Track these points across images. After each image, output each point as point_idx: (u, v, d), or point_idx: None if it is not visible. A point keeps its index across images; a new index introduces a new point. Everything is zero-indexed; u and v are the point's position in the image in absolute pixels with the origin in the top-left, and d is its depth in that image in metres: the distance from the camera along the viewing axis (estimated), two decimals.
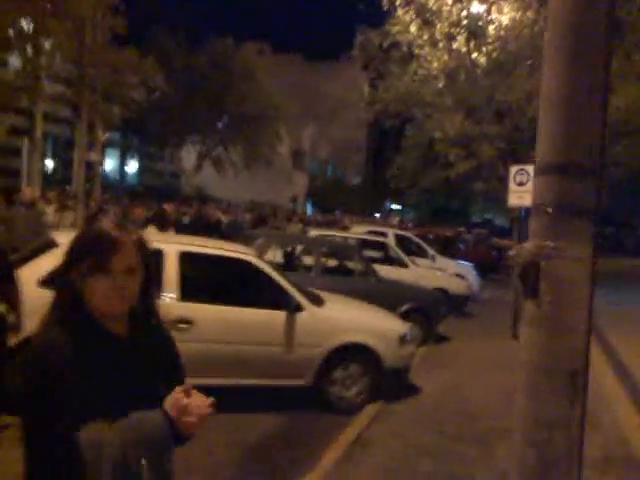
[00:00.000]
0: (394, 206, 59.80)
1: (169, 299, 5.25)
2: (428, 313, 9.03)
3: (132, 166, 37.41)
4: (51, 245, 5.31)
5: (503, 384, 7.14)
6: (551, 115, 2.22)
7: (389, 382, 6.11)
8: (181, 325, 5.22)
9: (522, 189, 9.64)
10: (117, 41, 20.71)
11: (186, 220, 12.24)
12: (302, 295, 5.78)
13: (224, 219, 13.62)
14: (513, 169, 9.86)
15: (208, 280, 5.79)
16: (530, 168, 9.72)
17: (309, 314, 5.69)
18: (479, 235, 25.67)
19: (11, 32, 16.85)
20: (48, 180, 26.71)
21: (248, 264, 5.65)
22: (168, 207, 11.18)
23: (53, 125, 26.76)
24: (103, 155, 29.63)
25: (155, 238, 5.96)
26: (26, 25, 17.45)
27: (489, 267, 19.69)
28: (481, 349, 9.10)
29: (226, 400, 5.43)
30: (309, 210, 46.49)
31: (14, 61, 17.88)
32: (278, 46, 50.83)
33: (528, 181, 9.58)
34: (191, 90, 27.68)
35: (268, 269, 5.72)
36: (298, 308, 5.64)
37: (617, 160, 11.92)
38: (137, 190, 32.06)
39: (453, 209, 50.24)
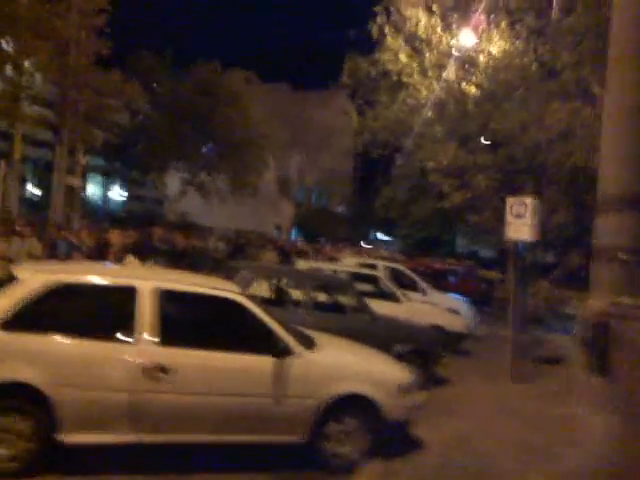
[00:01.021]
0: (379, 236, 59.51)
1: (143, 343, 4.60)
2: (426, 354, 8.41)
3: (115, 192, 36.70)
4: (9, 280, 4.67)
5: (512, 435, 6.55)
6: (624, 137, 1.69)
7: (389, 435, 5.46)
8: (157, 374, 4.56)
9: (520, 222, 9.17)
10: (101, 63, 20.24)
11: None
12: (291, 337, 5.14)
13: (191, 246, 12.87)
14: (510, 201, 9.39)
15: (187, 321, 5.12)
16: (528, 200, 9.28)
17: (299, 359, 5.04)
18: (469, 267, 25.22)
19: None
20: (27, 204, 25.94)
21: (231, 302, 5.01)
22: (114, 234, 10.54)
23: (33, 148, 26.11)
24: (85, 180, 28.97)
25: (126, 273, 5.33)
26: (6, 45, 16.90)
27: (480, 300, 19.18)
28: (483, 393, 8.47)
29: (209, 459, 4.78)
30: (294, 238, 45.93)
31: None
32: (266, 74, 50.76)
33: (526, 213, 9.12)
34: (176, 115, 27.20)
35: (253, 307, 5.08)
36: (287, 352, 5.00)
37: None
38: (119, 216, 31.32)
39: (439, 240, 49.95)
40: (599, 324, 1.71)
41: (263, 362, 4.92)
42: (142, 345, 4.59)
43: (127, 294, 4.70)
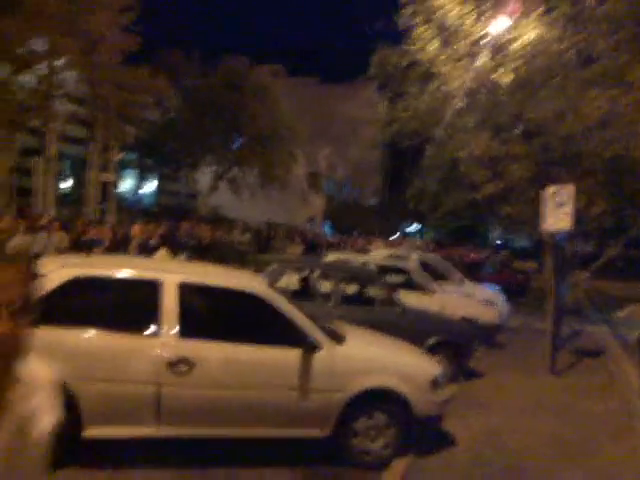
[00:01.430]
0: (413, 227, 59.01)
1: (168, 336, 4.56)
2: (458, 347, 8.21)
3: (148, 187, 37.14)
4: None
5: (548, 430, 6.33)
6: None
7: (420, 431, 5.32)
8: (181, 367, 4.51)
9: (560, 211, 8.86)
10: (130, 60, 20.40)
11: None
12: (319, 331, 5.04)
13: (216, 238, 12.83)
14: (550, 190, 9.07)
15: (212, 314, 5.07)
16: (570, 188, 8.95)
17: (327, 353, 4.94)
18: (504, 257, 24.78)
19: (23, 51, 16.56)
20: (64, 201, 26.46)
21: (257, 296, 4.93)
22: (135, 228, 10.36)
23: (69, 145, 26.57)
24: (119, 176, 29.37)
25: (152, 266, 5.29)
26: (40, 44, 17.17)
27: (515, 291, 18.78)
28: (518, 387, 8.25)
29: (232, 453, 4.72)
30: (327, 231, 45.87)
31: (25, 80, 17.57)
32: (293, 69, 50.70)
33: (567, 202, 8.80)
34: (205, 110, 27.29)
35: (280, 302, 4.99)
36: (315, 346, 4.90)
37: None
38: (152, 210, 31.69)
39: (473, 230, 49.26)
40: None
41: (290, 355, 4.83)
42: (167, 338, 4.55)
43: (152, 287, 4.66)
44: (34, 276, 1.28)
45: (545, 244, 18.72)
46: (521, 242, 53.53)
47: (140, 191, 35.66)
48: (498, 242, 55.64)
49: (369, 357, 5.29)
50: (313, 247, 17.65)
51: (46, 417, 1.30)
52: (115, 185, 26.80)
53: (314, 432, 4.94)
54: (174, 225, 12.40)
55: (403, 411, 5.12)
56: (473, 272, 17.12)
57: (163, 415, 4.51)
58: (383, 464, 5.08)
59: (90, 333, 4.47)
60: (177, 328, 4.59)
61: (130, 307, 4.79)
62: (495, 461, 5.37)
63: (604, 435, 6.30)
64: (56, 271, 4.54)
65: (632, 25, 12.01)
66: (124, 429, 4.49)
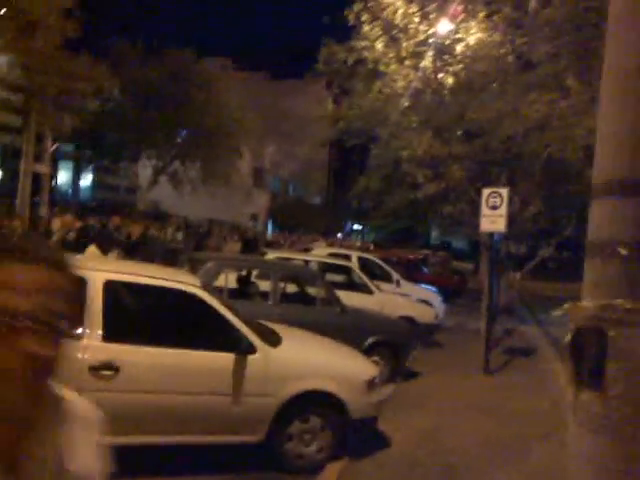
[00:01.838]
0: (355, 227, 59.53)
1: (92, 339, 4.30)
2: (396, 346, 8.24)
3: (86, 180, 35.94)
4: None
5: (483, 431, 6.40)
6: (623, 112, 1.48)
7: (355, 433, 5.26)
8: (105, 372, 4.27)
9: (495, 213, 9.04)
10: (69, 47, 19.54)
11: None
12: (254, 333, 4.89)
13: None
14: (485, 192, 9.24)
15: (141, 316, 4.83)
16: (504, 191, 9.14)
17: (261, 357, 4.80)
18: (442, 259, 25.22)
19: None
20: None
21: (189, 296, 4.73)
22: (56, 221, 9.77)
23: (1, 133, 25.34)
24: (55, 167, 28.22)
25: (76, 264, 5.01)
26: None
27: (452, 291, 19.17)
28: (453, 387, 8.34)
29: (163, 462, 4.52)
30: (270, 229, 45.62)
31: None
32: (242, 64, 50.17)
33: (502, 205, 8.99)
34: (147, 102, 26.56)
35: (213, 302, 4.80)
36: (250, 349, 4.75)
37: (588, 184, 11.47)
38: (90, 205, 30.65)
39: (413, 231, 50.06)
40: (591, 330, 1.47)
41: (223, 359, 4.66)
42: (90, 341, 4.29)
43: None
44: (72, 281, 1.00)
45: (481, 245, 19.20)
46: (458, 243, 54.87)
47: (77, 184, 34.42)
48: (436, 243, 56.77)
49: (304, 360, 5.18)
50: (251, 245, 17.36)
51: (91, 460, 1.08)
52: (50, 177, 25.72)
53: (248, 438, 4.79)
54: (103, 219, 11.90)
55: (338, 414, 5.04)
56: (411, 272, 17.33)
57: None
58: (317, 468, 4.98)
59: None
60: (102, 330, 4.34)
61: None
62: (429, 462, 5.37)
63: (534, 434, 6.42)
64: None
65: (572, 31, 12.38)
66: None
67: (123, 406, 4.37)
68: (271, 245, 18.76)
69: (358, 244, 28.39)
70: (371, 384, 5.25)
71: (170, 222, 19.09)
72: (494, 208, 8.98)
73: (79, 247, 8.21)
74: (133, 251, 8.85)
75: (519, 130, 10.57)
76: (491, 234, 9.58)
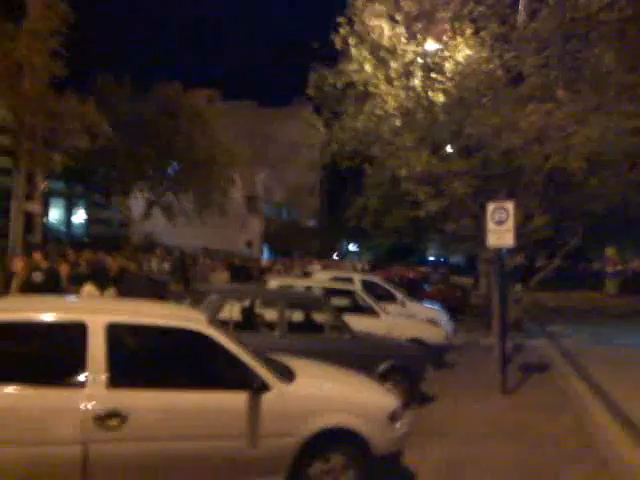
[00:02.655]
0: (351, 247, 59.37)
1: (94, 387, 4.01)
2: (410, 371, 7.94)
3: (79, 216, 35.68)
4: None
5: (509, 456, 6.08)
6: None
7: (378, 469, 4.93)
8: (111, 421, 3.97)
9: (502, 228, 8.82)
10: (57, 86, 19.42)
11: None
12: (267, 369, 4.60)
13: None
14: (490, 207, 9.04)
15: (147, 359, 4.53)
16: (509, 205, 8.93)
17: (277, 394, 4.50)
18: (442, 275, 24.99)
19: None
20: None
21: (197, 334, 4.45)
22: (18, 261, 8.59)
23: None
24: (46, 205, 27.96)
25: (75, 306, 4.73)
26: None
27: (455, 308, 18.86)
28: (472, 410, 8.01)
29: None
30: (266, 254, 45.35)
31: None
32: (228, 93, 50.43)
33: (508, 219, 8.78)
34: (137, 137, 26.46)
35: (222, 339, 4.52)
36: (263, 387, 4.46)
37: (594, 193, 11.37)
38: (83, 241, 30.33)
39: (410, 248, 49.91)
40: None
41: (235, 400, 4.36)
42: (93, 389, 3.99)
43: (76, 331, 4.11)
44: None
45: (483, 260, 18.94)
46: (455, 259, 54.74)
47: (69, 220, 34.18)
48: (431, 259, 56.55)
49: (322, 395, 4.88)
50: (241, 273, 16.92)
51: None
52: (43, 215, 25.44)
53: None
54: (68, 257, 11.37)
55: (361, 451, 4.73)
56: (413, 291, 17.07)
57: (92, 477, 3.94)
58: None
59: (3, 388, 3.86)
60: (105, 376, 4.05)
61: (51, 355, 4.20)
62: None
63: (565, 458, 6.12)
64: None
65: (559, 43, 12.35)
66: None
67: (132, 457, 4.07)
68: (265, 272, 18.39)
69: (359, 265, 28.05)
70: (393, 417, 4.96)
71: (155, 253, 18.65)
72: (500, 223, 8.77)
73: (45, 290, 7.55)
74: (109, 287, 8.35)
75: (518, 143, 10.43)
76: (499, 249, 9.35)
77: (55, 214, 32.89)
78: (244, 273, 17.36)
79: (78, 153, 23.48)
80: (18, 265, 8.34)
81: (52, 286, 7.83)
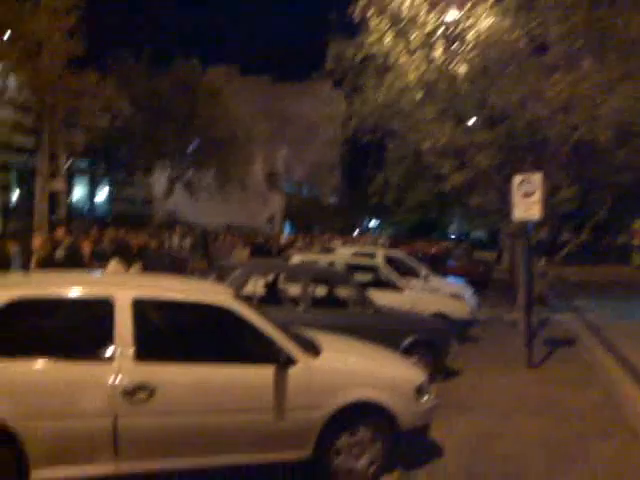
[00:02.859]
0: (372, 223, 59.17)
1: (122, 360, 4.04)
2: (436, 346, 7.90)
3: (102, 194, 35.98)
4: None
5: (536, 431, 6.04)
6: None
7: (406, 443, 4.93)
8: (139, 394, 4.00)
9: (529, 200, 8.65)
10: (76, 64, 19.45)
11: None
12: (293, 343, 4.60)
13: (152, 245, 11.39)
14: (517, 179, 8.85)
15: (173, 333, 4.54)
16: (536, 177, 8.74)
17: (303, 368, 4.50)
18: (465, 249, 24.78)
19: None
20: (10, 213, 25.30)
21: (223, 309, 4.45)
22: (37, 238, 8.45)
23: (16, 155, 25.44)
24: (70, 184, 28.22)
25: (102, 281, 4.75)
26: None
27: (478, 282, 18.70)
28: (498, 385, 7.96)
29: None
30: (287, 230, 45.44)
31: None
32: (246, 69, 50.11)
33: (535, 191, 8.60)
34: (157, 114, 26.47)
35: (248, 314, 4.52)
36: (289, 361, 4.46)
37: (622, 164, 11.05)
38: (107, 219, 30.63)
39: (432, 224, 49.55)
40: None
41: (261, 374, 4.37)
42: (121, 363, 4.02)
43: (103, 306, 4.14)
44: None
45: (507, 235, 18.62)
46: (477, 234, 54.20)
47: (93, 198, 34.50)
48: (452, 235, 56.04)
49: (347, 369, 4.86)
50: (263, 250, 16.88)
51: None
52: (67, 194, 25.74)
53: (293, 455, 4.50)
54: (95, 234, 11.37)
55: (388, 424, 4.73)
56: (436, 266, 16.95)
57: (121, 450, 3.99)
58: None
59: (32, 363, 3.90)
60: (133, 350, 4.08)
61: (78, 330, 4.22)
62: (487, 471, 5.02)
63: (593, 432, 6.05)
64: None
65: (584, 10, 11.94)
66: (77, 469, 3.94)
67: (160, 430, 4.11)
68: (285, 249, 18.32)
69: (381, 240, 27.84)
70: (420, 390, 4.94)
71: (176, 230, 18.72)
72: (527, 195, 8.60)
73: (67, 267, 7.41)
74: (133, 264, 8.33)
75: (543, 113, 10.16)
76: (525, 222, 9.18)
77: (79, 192, 33.21)
78: (264, 251, 17.35)
79: (99, 132, 23.65)
80: (37, 242, 8.34)
81: (75, 263, 7.79)
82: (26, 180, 26.98)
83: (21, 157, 25.50)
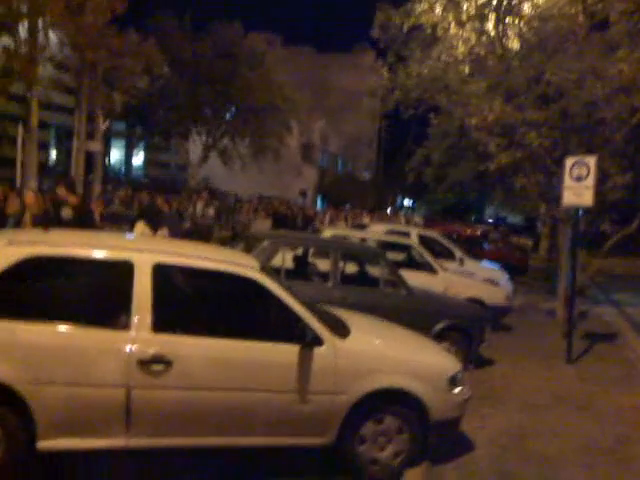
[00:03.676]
0: (406, 202, 58.33)
1: (139, 330, 3.78)
2: (469, 333, 7.51)
3: (138, 158, 36.11)
4: None
5: (576, 430, 5.65)
6: None
7: (435, 435, 4.61)
8: (155, 366, 3.75)
9: (581, 185, 8.10)
10: (117, 24, 19.25)
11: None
12: (321, 322, 4.28)
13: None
14: (569, 161, 8.29)
15: (194, 303, 4.27)
16: (591, 160, 8.16)
17: (330, 349, 4.19)
18: (502, 233, 24.09)
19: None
20: (49, 171, 25.49)
21: (249, 281, 4.15)
22: (29, 196, 7.90)
23: (54, 113, 25.52)
24: (108, 145, 28.33)
25: (121, 244, 4.47)
26: (18, 3, 16.02)
27: (515, 268, 18.09)
28: (533, 377, 7.56)
29: (221, 466, 4.00)
30: (319, 205, 45.09)
31: (5, 42, 16.44)
32: (288, 38, 49.33)
33: (588, 176, 8.04)
34: (196, 78, 26.20)
35: (275, 287, 4.21)
36: (315, 342, 4.14)
37: None
38: (142, 182, 30.73)
39: (468, 206, 48.50)
40: None
41: (286, 352, 4.08)
42: (138, 332, 3.77)
43: (121, 270, 3.87)
44: None
45: (549, 221, 17.87)
46: (514, 219, 52.88)
47: (129, 161, 34.67)
48: (489, 220, 54.81)
49: (377, 353, 4.54)
50: (284, 222, 16.52)
51: None
52: (104, 155, 25.82)
53: (314, 440, 4.23)
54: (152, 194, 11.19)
55: (417, 414, 4.41)
56: (471, 248, 16.40)
57: (134, 423, 3.76)
58: (393, 475, 4.38)
59: (44, 327, 3.67)
60: (151, 320, 3.81)
61: (95, 295, 3.97)
62: (522, 470, 4.68)
63: (636, 436, 5.63)
64: (1, 250, 3.74)
65: None
66: (87, 440, 3.74)
67: (176, 405, 3.87)
68: (310, 221, 17.87)
69: (417, 219, 27.27)
70: (454, 381, 4.59)
71: (202, 196, 18.51)
72: (579, 179, 8.05)
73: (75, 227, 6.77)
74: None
75: (602, 93, 9.48)
76: (576, 208, 8.63)
77: (115, 155, 33.39)
78: (288, 222, 16.98)
79: (138, 93, 23.53)
80: (28, 198, 7.80)
81: (83, 223, 7.28)
82: (64, 139, 27.15)
83: (60, 116, 25.59)
